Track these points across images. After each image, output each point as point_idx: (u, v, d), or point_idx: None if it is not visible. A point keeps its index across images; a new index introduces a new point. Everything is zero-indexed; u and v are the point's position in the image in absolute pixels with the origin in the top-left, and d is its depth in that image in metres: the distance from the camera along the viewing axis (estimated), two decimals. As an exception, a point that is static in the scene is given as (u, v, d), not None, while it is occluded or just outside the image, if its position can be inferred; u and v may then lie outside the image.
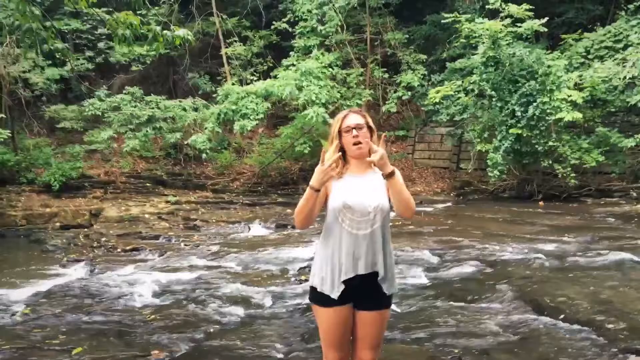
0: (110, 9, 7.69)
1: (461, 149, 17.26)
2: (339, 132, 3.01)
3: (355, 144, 2.95)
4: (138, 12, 7.80)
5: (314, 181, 2.88)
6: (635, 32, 14.28)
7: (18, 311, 6.25)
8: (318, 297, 3.03)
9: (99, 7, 11.50)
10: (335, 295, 2.96)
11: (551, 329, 5.13)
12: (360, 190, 2.97)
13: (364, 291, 3.00)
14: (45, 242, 10.91)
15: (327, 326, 3.04)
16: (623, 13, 15.30)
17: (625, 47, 14.31)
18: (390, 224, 3.14)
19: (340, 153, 2.99)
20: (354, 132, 2.95)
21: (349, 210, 2.94)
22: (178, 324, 5.62)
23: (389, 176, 2.89)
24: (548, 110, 12.85)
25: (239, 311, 6.06)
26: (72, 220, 12.59)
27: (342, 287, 2.95)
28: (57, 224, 12.41)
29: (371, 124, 3.04)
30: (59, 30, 14.10)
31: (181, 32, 5.83)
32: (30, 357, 4.79)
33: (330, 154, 2.98)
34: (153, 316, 5.89)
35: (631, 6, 15.10)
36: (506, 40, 13.65)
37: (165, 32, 5.72)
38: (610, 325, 5.03)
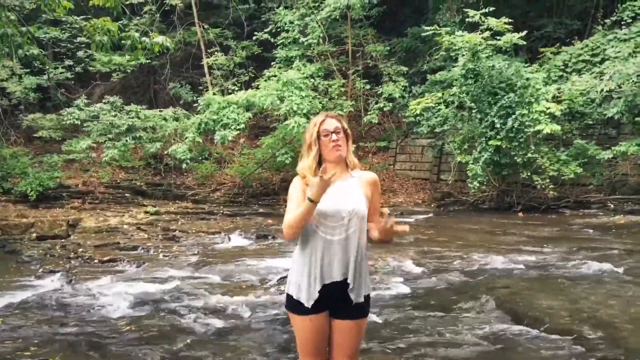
0: (89, 17, 7.62)
1: (442, 160, 17.36)
2: (318, 136, 2.98)
3: (334, 147, 2.93)
4: (119, 21, 7.78)
5: (312, 195, 2.78)
6: (612, 46, 14.55)
7: (-11, 322, 6.08)
8: (294, 305, 2.98)
9: (78, 16, 11.40)
10: (309, 304, 2.92)
11: (530, 338, 5.13)
12: (335, 195, 2.92)
13: (338, 299, 2.95)
14: (20, 253, 10.66)
15: (304, 334, 2.99)
16: (600, 28, 15.60)
17: (602, 61, 14.58)
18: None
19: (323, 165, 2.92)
20: (334, 136, 2.93)
21: (323, 216, 2.90)
22: (154, 335, 5.52)
23: None
24: (527, 123, 12.99)
25: (217, 322, 5.97)
26: (49, 230, 12.32)
27: (317, 295, 2.91)
28: (34, 234, 12.13)
29: (347, 128, 3.03)
30: (38, 39, 13.96)
31: (160, 39, 5.78)
32: (0, 369, 4.66)
33: (310, 160, 2.97)
34: (128, 327, 5.77)
35: (608, 21, 15.40)
36: (486, 53, 13.80)
37: (144, 39, 5.66)
38: (588, 335, 5.05)
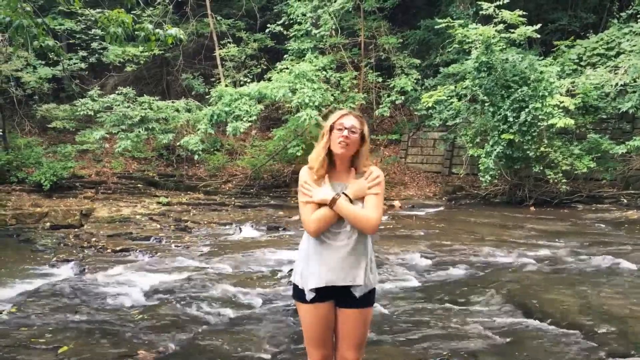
0: (104, 9, 7.67)
1: (453, 153, 17.31)
2: (332, 126, 2.97)
3: (340, 142, 2.92)
4: (132, 12, 7.83)
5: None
6: (627, 40, 14.39)
7: (4, 310, 6.18)
8: (300, 294, 3.04)
9: (92, 8, 11.47)
10: (308, 297, 2.98)
11: (540, 332, 5.13)
12: None
13: (342, 293, 3.01)
14: (34, 242, 10.80)
15: (309, 322, 3.04)
16: (615, 21, 15.43)
17: (617, 55, 14.43)
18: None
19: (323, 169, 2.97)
20: (345, 132, 2.91)
21: None
22: (166, 324, 5.58)
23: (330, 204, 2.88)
24: (540, 116, 12.90)
25: (228, 312, 6.03)
26: (63, 220, 12.46)
27: (317, 288, 2.96)
28: (47, 223, 12.28)
29: (366, 132, 3.00)
30: (53, 30, 14.06)
31: (173, 30, 5.81)
32: (15, 355, 4.74)
33: (319, 149, 2.98)
34: (141, 316, 5.84)
35: (623, 14, 15.23)
36: (499, 45, 13.70)
37: (157, 30, 5.69)
38: (598, 330, 5.04)
